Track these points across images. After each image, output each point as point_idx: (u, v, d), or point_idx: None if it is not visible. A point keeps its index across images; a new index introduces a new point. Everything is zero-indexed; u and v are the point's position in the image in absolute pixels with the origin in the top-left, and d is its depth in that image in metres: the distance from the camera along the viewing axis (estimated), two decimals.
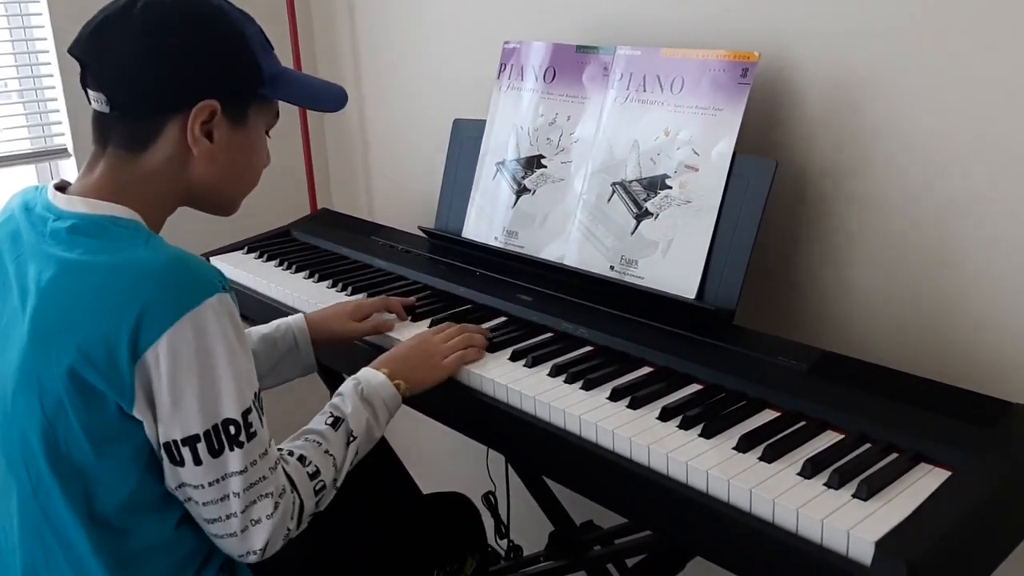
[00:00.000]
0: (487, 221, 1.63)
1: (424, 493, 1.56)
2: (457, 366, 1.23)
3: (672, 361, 1.19)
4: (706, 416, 1.05)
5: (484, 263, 1.58)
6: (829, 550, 0.84)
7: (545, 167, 1.55)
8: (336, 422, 1.10)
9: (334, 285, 1.59)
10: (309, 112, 2.30)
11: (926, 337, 1.27)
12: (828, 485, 0.91)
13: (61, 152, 2.09)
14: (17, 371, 0.94)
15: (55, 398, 0.92)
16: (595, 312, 1.34)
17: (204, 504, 0.96)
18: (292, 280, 1.65)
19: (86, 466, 0.94)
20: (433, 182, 1.78)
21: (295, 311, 1.54)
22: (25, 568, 0.98)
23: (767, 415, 1.06)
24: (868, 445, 0.98)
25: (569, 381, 1.17)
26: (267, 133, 1.13)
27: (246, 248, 1.87)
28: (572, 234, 1.48)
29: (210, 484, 0.94)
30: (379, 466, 1.41)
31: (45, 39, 2.04)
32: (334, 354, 1.42)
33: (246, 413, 0.95)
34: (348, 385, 1.16)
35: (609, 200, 1.43)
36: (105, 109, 1.00)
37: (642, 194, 1.38)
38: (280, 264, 1.74)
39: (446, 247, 1.69)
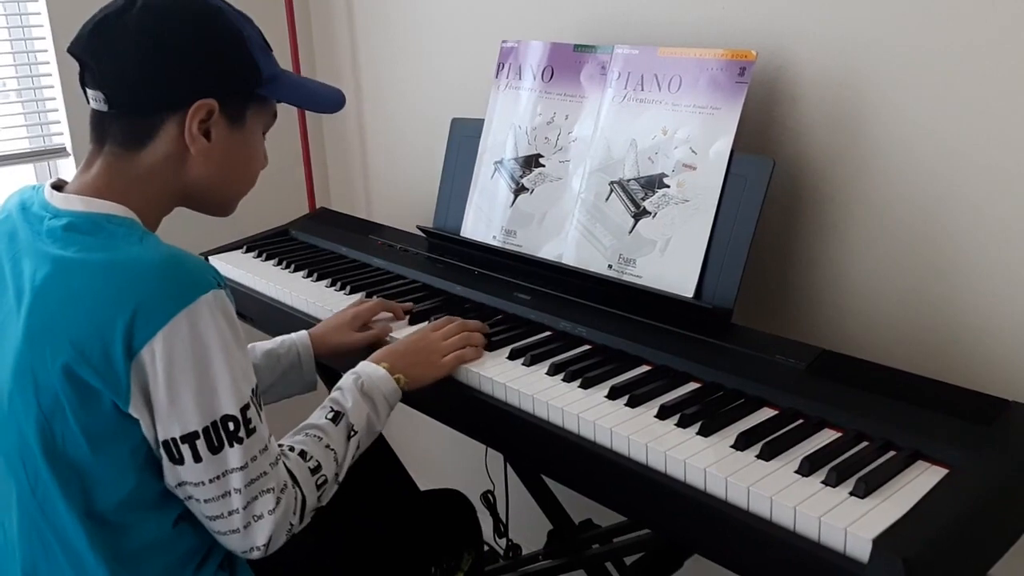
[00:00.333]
0: (485, 220, 1.63)
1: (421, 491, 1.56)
2: (455, 365, 1.23)
3: (670, 359, 1.19)
4: (704, 414, 1.05)
5: (482, 262, 1.59)
6: (826, 547, 0.84)
7: (543, 166, 1.55)
8: (336, 416, 1.10)
9: (333, 284, 1.59)
10: (308, 112, 2.30)
11: (923, 336, 1.27)
12: (826, 483, 0.91)
13: (60, 151, 2.10)
14: (13, 369, 0.94)
15: (51, 396, 0.92)
16: (593, 311, 1.34)
17: (205, 501, 0.96)
18: (291, 279, 1.65)
19: (83, 464, 0.94)
20: (431, 181, 1.78)
21: (294, 310, 1.55)
22: (25, 565, 0.98)
23: (765, 413, 1.07)
24: (865, 443, 0.98)
25: (567, 379, 1.17)
26: (264, 135, 1.13)
27: (245, 247, 1.87)
28: (570, 233, 1.48)
29: (211, 481, 0.94)
30: (377, 463, 1.41)
31: (44, 39, 2.04)
32: (337, 360, 1.42)
33: (244, 409, 0.95)
34: (348, 379, 1.16)
35: (607, 199, 1.43)
36: (104, 108, 1.00)
37: (640, 193, 1.39)
38: (279, 263, 1.75)
39: (444, 246, 1.70)
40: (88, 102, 1.03)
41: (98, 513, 0.95)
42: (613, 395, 1.12)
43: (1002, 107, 1.14)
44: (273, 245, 1.86)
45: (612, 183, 1.43)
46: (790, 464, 0.95)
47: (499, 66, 1.64)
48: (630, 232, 1.39)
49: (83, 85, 1.03)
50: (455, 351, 1.24)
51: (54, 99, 2.08)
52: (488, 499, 1.85)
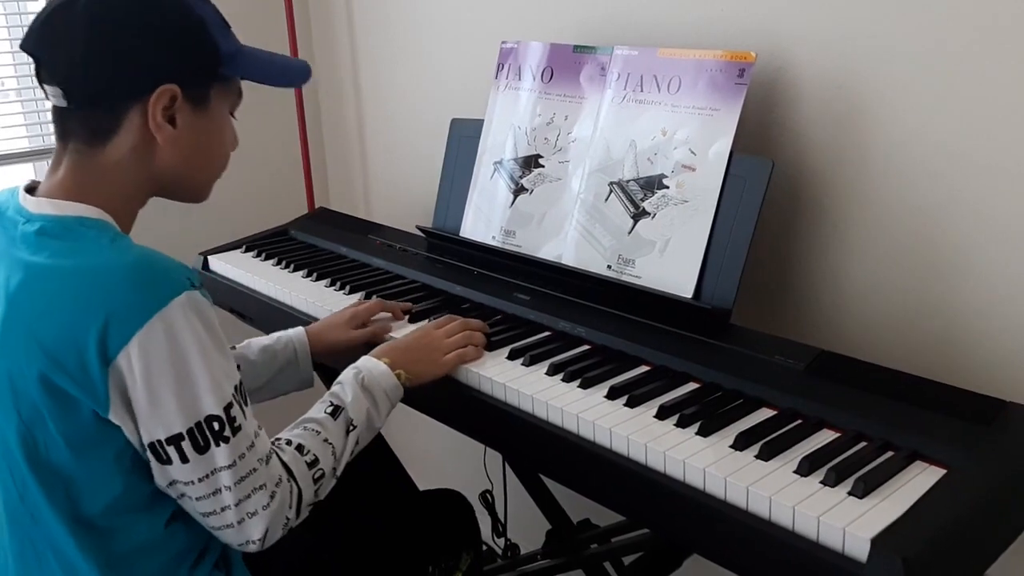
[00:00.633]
0: (485, 220, 1.63)
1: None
2: (457, 363, 1.23)
3: (669, 360, 1.19)
4: (703, 414, 1.05)
5: (482, 262, 1.59)
6: (825, 547, 0.85)
7: (543, 167, 1.55)
8: (336, 411, 1.10)
9: (332, 284, 1.59)
10: (307, 111, 2.29)
11: (922, 336, 1.27)
12: (824, 483, 0.91)
13: None
14: None
15: (30, 404, 0.92)
16: (592, 311, 1.35)
17: (198, 499, 0.95)
18: (290, 279, 1.65)
19: (67, 471, 0.93)
20: (431, 181, 1.78)
21: (293, 310, 1.55)
22: (18, 572, 0.98)
23: (764, 413, 1.07)
24: (864, 443, 0.99)
25: (567, 380, 1.17)
26: (233, 115, 1.10)
27: (244, 247, 1.87)
28: (569, 233, 1.48)
29: (200, 480, 0.94)
30: (376, 462, 1.41)
31: None
32: (336, 359, 1.42)
33: (228, 407, 0.94)
34: (348, 373, 1.15)
35: (606, 200, 1.43)
36: (63, 103, 0.98)
37: (639, 194, 1.39)
38: (278, 263, 1.75)
39: (444, 246, 1.70)
40: (47, 98, 1.00)
41: (86, 518, 0.94)
42: (612, 395, 1.12)
43: (1002, 108, 1.15)
44: (272, 245, 1.86)
45: (611, 184, 1.43)
46: (789, 464, 0.95)
47: (499, 67, 1.64)
48: (629, 233, 1.39)
49: (40, 82, 1.00)
50: (457, 349, 1.24)
51: None
52: (487, 499, 1.85)
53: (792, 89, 1.35)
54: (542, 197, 1.54)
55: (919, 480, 0.91)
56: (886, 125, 1.26)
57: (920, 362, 1.25)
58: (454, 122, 1.73)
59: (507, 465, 1.80)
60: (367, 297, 1.49)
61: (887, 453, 0.96)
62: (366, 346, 1.36)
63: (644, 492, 1.01)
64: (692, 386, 1.15)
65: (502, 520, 1.87)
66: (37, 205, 0.98)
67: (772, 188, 1.25)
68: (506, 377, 1.19)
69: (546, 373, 1.20)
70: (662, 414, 1.06)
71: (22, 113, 2.07)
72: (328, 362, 1.40)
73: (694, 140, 1.33)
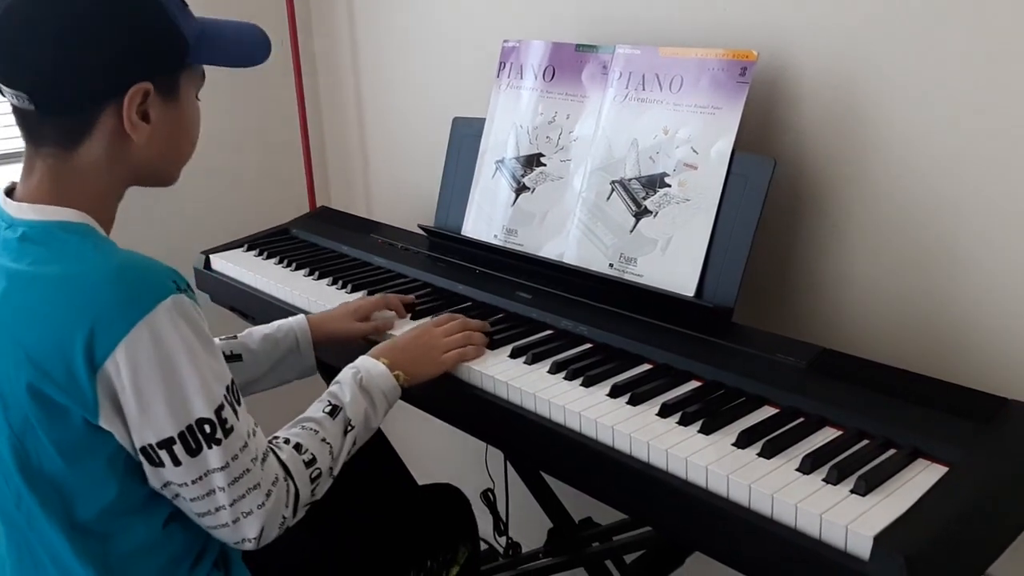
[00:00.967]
0: (486, 219, 1.63)
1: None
2: (456, 363, 1.23)
3: (671, 358, 1.20)
4: (705, 412, 1.05)
5: (483, 261, 1.59)
6: (827, 545, 0.85)
7: (544, 165, 1.55)
8: (334, 410, 1.10)
9: (334, 283, 1.60)
10: (308, 110, 2.30)
11: (924, 334, 1.27)
12: (826, 481, 0.91)
13: None
14: None
15: (20, 414, 0.91)
16: (594, 309, 1.35)
17: (192, 500, 0.95)
18: (292, 277, 1.65)
19: (60, 478, 0.93)
20: (432, 180, 1.78)
21: (295, 308, 1.55)
22: None
23: (766, 411, 1.07)
24: (866, 441, 0.99)
25: (569, 378, 1.17)
26: (196, 96, 1.07)
27: (246, 245, 1.87)
28: (571, 232, 1.48)
29: (193, 482, 0.94)
30: (374, 457, 1.41)
31: None
32: (335, 353, 1.43)
33: (219, 410, 0.93)
34: (347, 373, 1.15)
35: (608, 198, 1.43)
36: (30, 107, 0.94)
37: (641, 192, 1.39)
38: (280, 261, 1.75)
39: (445, 245, 1.70)
40: (10, 101, 0.96)
41: (82, 524, 0.94)
42: (614, 393, 1.12)
43: (1002, 108, 1.15)
44: (274, 243, 1.87)
45: (613, 182, 1.43)
46: (791, 462, 0.95)
47: (500, 65, 1.64)
48: (631, 231, 1.39)
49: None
50: (456, 348, 1.23)
51: None
52: (488, 497, 1.85)
53: (794, 88, 1.35)
54: (544, 196, 1.54)
55: (921, 478, 0.92)
56: (887, 124, 1.26)
57: (922, 360, 1.25)
58: (456, 121, 1.73)
59: (509, 463, 1.81)
60: (369, 296, 1.49)
61: (889, 451, 0.97)
62: (366, 340, 1.36)
63: (646, 490, 1.01)
64: (694, 384, 1.15)
65: (504, 519, 1.87)
66: (19, 210, 0.97)
67: (774, 187, 1.25)
68: (508, 375, 1.19)
69: (548, 371, 1.20)
70: (664, 412, 1.07)
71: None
72: (329, 356, 1.40)
73: (696, 139, 1.33)
